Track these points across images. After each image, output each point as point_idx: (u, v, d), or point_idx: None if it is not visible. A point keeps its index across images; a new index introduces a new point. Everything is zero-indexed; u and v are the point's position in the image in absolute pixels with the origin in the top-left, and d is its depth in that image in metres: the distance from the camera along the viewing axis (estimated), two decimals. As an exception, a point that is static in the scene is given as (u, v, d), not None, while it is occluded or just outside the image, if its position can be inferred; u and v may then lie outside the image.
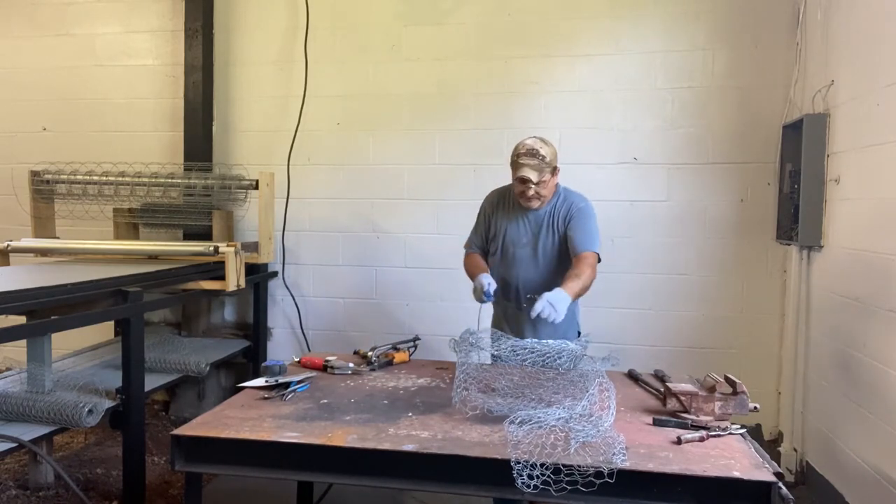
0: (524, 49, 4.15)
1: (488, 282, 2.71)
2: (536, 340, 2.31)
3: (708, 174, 3.98)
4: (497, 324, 2.97)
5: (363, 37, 4.35)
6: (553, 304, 2.45)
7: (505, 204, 2.92)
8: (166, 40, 4.61)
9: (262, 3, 4.48)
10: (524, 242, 2.84)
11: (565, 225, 2.80)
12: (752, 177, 3.94)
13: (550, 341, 2.33)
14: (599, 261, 2.81)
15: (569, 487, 1.71)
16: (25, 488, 3.32)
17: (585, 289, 2.65)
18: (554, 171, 2.76)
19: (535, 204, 2.78)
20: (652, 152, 4.03)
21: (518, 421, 1.94)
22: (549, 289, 2.61)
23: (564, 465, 1.73)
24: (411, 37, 4.29)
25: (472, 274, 2.90)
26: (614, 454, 1.77)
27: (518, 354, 2.27)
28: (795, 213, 3.56)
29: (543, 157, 2.69)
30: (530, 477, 1.72)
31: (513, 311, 2.91)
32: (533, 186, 2.70)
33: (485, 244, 2.98)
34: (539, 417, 1.96)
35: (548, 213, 2.83)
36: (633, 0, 4.02)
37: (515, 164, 2.73)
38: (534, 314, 2.45)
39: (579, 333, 2.97)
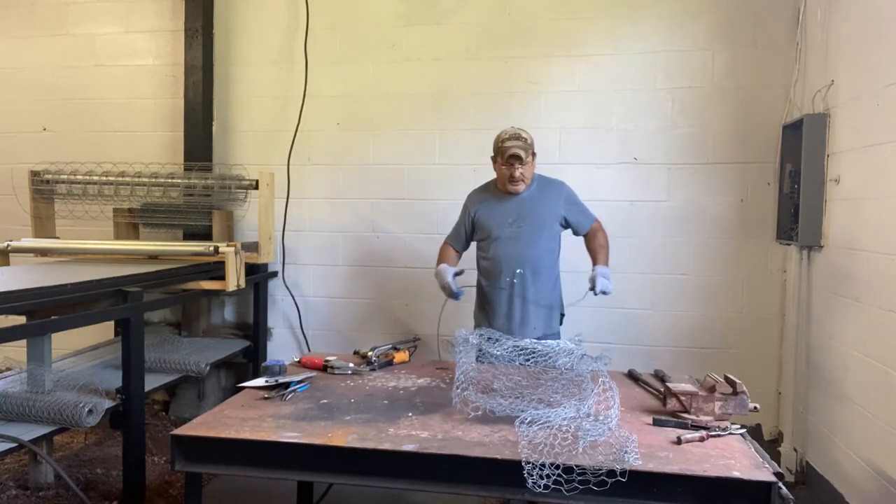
0: (524, 49, 4.15)
1: (446, 282, 3.07)
2: (535, 341, 2.35)
3: (708, 174, 3.98)
4: (480, 318, 3.21)
5: (363, 37, 4.35)
6: (604, 276, 2.99)
7: (487, 196, 3.22)
8: (166, 40, 4.61)
9: (262, 3, 4.48)
10: (509, 223, 3.11)
11: (562, 207, 3.14)
12: (752, 177, 3.94)
13: (549, 341, 2.37)
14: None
15: (581, 487, 1.71)
16: (25, 488, 3.32)
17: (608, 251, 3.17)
18: (534, 154, 3.09)
19: (521, 187, 3.08)
20: (652, 152, 4.03)
21: (528, 421, 1.94)
22: (533, 263, 3.06)
23: (577, 465, 1.73)
24: (411, 37, 4.29)
25: (438, 262, 3.24)
26: (626, 453, 1.77)
27: (518, 355, 2.30)
28: (795, 213, 3.55)
29: (526, 139, 3.02)
30: (541, 477, 1.71)
31: (504, 298, 3.12)
32: (519, 168, 3.00)
33: (463, 239, 3.30)
34: (548, 417, 1.96)
35: (531, 195, 3.12)
36: (633, 0, 4.02)
37: (502, 149, 3.02)
38: (598, 290, 2.95)
39: (562, 316, 3.23)
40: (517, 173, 3.01)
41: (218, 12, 4.51)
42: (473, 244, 3.34)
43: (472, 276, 3.30)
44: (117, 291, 3.06)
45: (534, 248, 3.09)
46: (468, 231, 3.27)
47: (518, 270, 3.08)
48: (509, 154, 2.98)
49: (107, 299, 3.06)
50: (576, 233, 3.24)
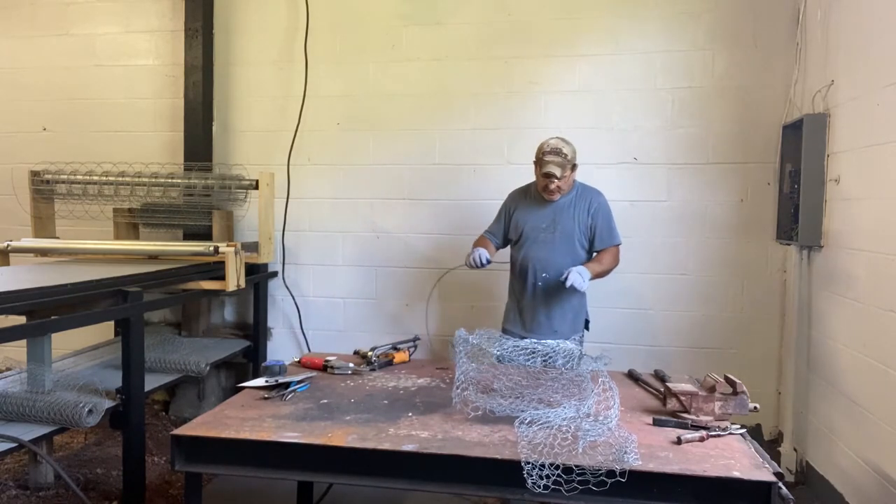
0: (524, 49, 4.15)
1: (480, 252, 3.17)
2: (536, 340, 2.36)
3: (708, 174, 3.98)
4: (510, 311, 3.33)
5: (363, 37, 4.35)
6: (580, 273, 2.98)
7: (526, 198, 3.34)
8: (166, 40, 4.61)
9: (262, 3, 4.48)
10: (543, 227, 3.22)
11: (589, 217, 3.21)
12: (752, 177, 3.94)
13: (549, 341, 2.38)
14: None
15: (580, 488, 1.71)
16: (25, 488, 3.31)
17: (606, 271, 3.20)
18: (573, 167, 3.15)
19: (556, 196, 3.18)
20: (652, 152, 4.03)
21: (528, 422, 1.94)
22: (559, 269, 3.08)
23: (577, 466, 1.73)
24: (411, 37, 4.29)
25: (473, 247, 3.30)
26: (626, 453, 1.77)
27: (520, 355, 2.31)
28: (795, 213, 3.55)
29: (566, 155, 3.08)
30: (540, 477, 1.72)
31: (529, 298, 3.23)
32: (556, 181, 3.08)
33: (500, 234, 3.39)
34: (548, 417, 1.96)
35: (567, 203, 3.22)
36: (633, 0, 4.02)
37: (541, 162, 3.10)
38: (568, 283, 2.94)
39: (587, 322, 3.30)
40: (552, 186, 3.12)
41: (218, 12, 4.50)
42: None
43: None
44: (117, 291, 3.06)
45: (563, 255, 3.17)
46: (506, 227, 3.36)
47: (544, 274, 3.18)
48: (544, 172, 3.08)
49: (107, 299, 3.06)
50: (593, 245, 3.24)
